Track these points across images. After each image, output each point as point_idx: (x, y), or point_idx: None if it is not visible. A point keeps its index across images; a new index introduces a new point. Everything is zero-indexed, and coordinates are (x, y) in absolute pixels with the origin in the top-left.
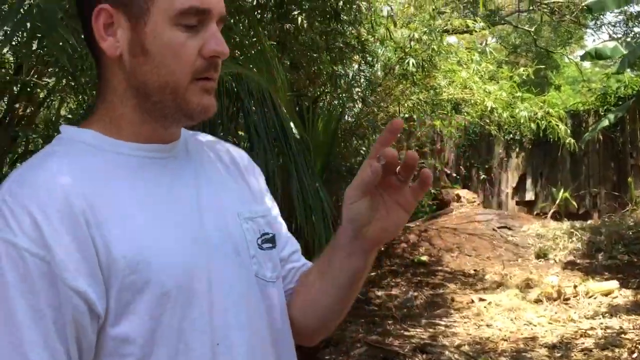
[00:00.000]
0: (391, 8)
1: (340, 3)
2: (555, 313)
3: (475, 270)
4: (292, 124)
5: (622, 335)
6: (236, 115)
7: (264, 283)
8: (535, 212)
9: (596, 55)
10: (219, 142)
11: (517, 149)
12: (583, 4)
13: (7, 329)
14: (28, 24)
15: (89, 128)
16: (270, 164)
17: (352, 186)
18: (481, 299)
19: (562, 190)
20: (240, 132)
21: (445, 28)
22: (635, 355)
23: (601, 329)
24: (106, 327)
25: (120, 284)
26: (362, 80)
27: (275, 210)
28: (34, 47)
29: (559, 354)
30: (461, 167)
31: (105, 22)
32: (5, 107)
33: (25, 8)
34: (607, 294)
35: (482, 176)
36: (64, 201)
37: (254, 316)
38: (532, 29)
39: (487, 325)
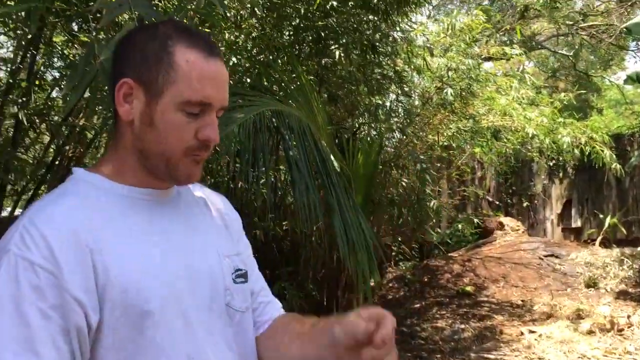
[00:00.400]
0: (427, 38)
1: (377, 35)
2: (610, 345)
3: (522, 300)
4: (332, 157)
5: None
6: (276, 149)
7: (234, 312)
8: (582, 240)
9: (637, 79)
10: (204, 190)
11: (561, 175)
12: (622, 27)
13: (20, 330)
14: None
15: (96, 171)
16: (311, 197)
17: (352, 314)
18: (531, 331)
19: (609, 216)
20: (280, 167)
21: (482, 56)
22: None
23: None
24: (101, 337)
25: (114, 302)
26: (400, 110)
27: (249, 250)
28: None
29: None
30: (503, 194)
31: (125, 92)
32: (55, 149)
33: (90, 64)
34: None
35: (525, 203)
36: (74, 231)
37: (223, 338)
38: (571, 53)
39: (539, 359)
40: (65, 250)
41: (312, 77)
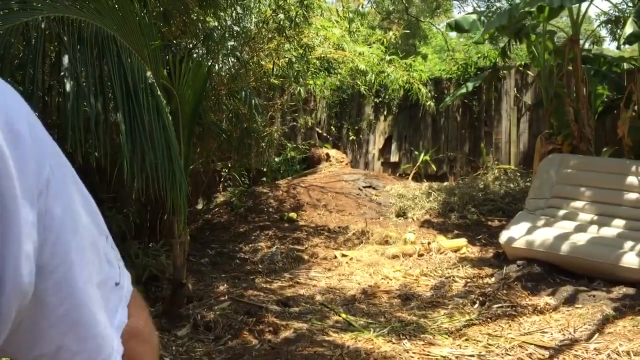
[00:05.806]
0: None
1: None
2: (410, 268)
3: (339, 227)
4: (148, 75)
5: (468, 287)
6: (57, 61)
7: None
8: (398, 174)
9: (456, 27)
10: None
11: (385, 112)
12: None
13: None
14: None
15: None
16: (93, 112)
17: None
18: (344, 255)
19: (423, 153)
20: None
21: None
22: (476, 306)
23: (450, 280)
24: None
25: None
26: (235, 33)
27: None
28: None
29: (411, 305)
30: (332, 127)
31: None
32: None
33: None
34: (456, 250)
35: (352, 137)
36: None
37: None
38: None
39: (347, 279)
40: None
41: None
